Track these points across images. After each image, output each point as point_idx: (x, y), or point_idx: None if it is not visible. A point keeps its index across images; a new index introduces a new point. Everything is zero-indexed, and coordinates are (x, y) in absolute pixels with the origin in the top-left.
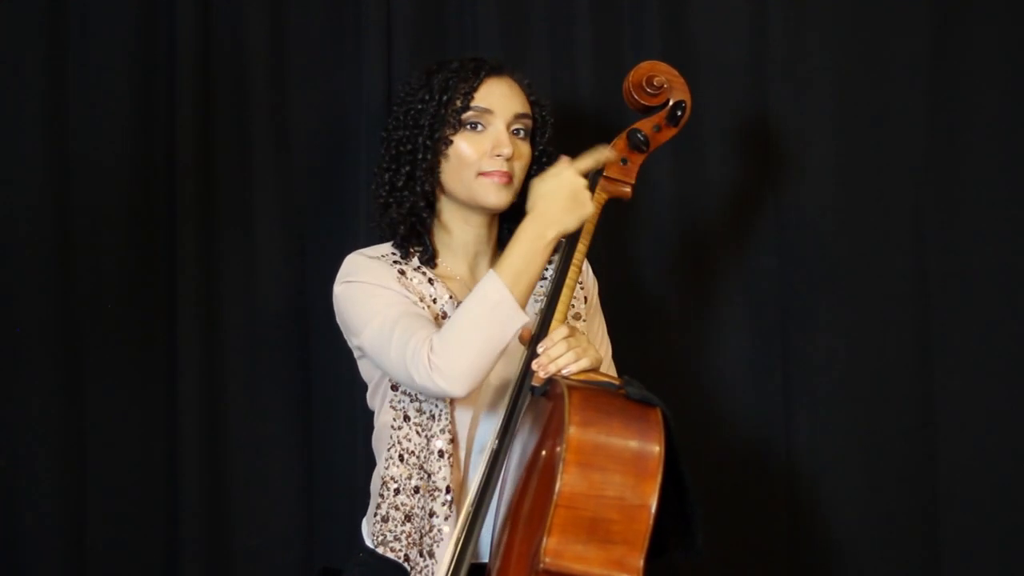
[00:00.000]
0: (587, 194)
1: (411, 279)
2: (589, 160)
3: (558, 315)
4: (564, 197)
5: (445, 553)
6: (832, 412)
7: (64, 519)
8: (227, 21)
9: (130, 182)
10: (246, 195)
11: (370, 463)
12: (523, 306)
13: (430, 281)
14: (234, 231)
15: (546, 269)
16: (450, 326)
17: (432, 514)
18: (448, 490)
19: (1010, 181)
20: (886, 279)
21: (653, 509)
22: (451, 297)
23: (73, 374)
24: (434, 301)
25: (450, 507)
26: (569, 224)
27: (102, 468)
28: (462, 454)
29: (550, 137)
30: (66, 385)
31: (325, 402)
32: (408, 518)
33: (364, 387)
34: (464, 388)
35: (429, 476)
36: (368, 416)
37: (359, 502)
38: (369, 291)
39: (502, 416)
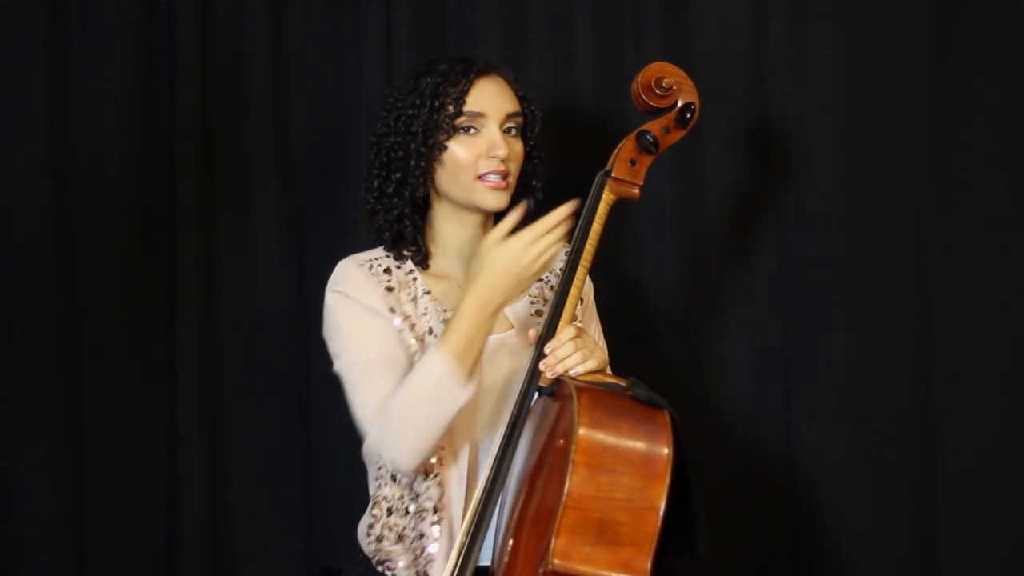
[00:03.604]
0: (533, 268)
1: (398, 295)
2: (539, 229)
3: (565, 316)
4: (510, 274)
5: (451, 555)
6: (833, 414)
7: (64, 519)
8: (227, 21)
9: (130, 182)
10: (246, 195)
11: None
12: (469, 376)
13: (413, 300)
14: (234, 231)
15: (550, 272)
16: (395, 403)
17: (421, 535)
18: (435, 511)
19: (1010, 181)
20: (886, 279)
21: (661, 511)
22: (438, 310)
23: (73, 374)
24: (413, 326)
25: (439, 528)
26: (514, 295)
27: (102, 468)
28: (453, 472)
29: (541, 132)
30: (66, 385)
31: (325, 402)
32: (400, 538)
33: None
34: (410, 464)
35: (417, 496)
36: None
37: (359, 503)
38: (352, 315)
39: (506, 421)
